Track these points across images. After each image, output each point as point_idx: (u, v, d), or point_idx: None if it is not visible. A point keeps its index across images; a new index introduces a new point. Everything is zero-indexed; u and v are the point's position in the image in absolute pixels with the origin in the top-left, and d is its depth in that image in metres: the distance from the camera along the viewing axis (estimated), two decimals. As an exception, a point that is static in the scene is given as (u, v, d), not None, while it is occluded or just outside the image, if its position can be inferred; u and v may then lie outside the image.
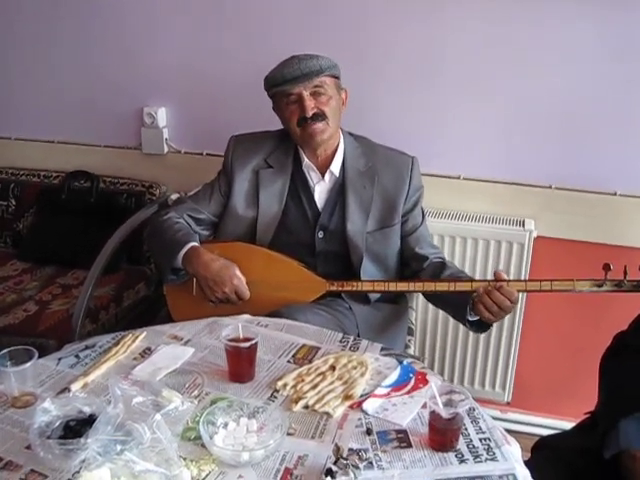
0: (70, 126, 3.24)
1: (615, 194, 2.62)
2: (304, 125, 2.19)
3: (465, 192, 2.77)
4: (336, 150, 2.30)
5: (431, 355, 2.93)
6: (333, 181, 2.30)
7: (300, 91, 2.17)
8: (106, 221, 2.97)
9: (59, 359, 1.74)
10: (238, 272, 2.14)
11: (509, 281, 1.98)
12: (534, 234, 2.66)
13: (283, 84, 2.17)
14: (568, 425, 2.29)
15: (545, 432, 2.80)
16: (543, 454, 1.89)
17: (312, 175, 2.31)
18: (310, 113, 2.17)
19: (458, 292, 2.05)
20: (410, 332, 2.51)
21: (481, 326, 2.12)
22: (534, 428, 2.96)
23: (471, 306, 2.04)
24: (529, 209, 2.72)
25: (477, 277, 2.70)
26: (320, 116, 2.18)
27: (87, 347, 1.80)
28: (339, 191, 2.29)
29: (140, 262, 3.12)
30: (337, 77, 2.25)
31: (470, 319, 2.08)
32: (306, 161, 2.29)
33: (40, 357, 1.67)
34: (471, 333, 2.78)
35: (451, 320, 2.78)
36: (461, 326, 2.72)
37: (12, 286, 2.90)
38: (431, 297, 2.35)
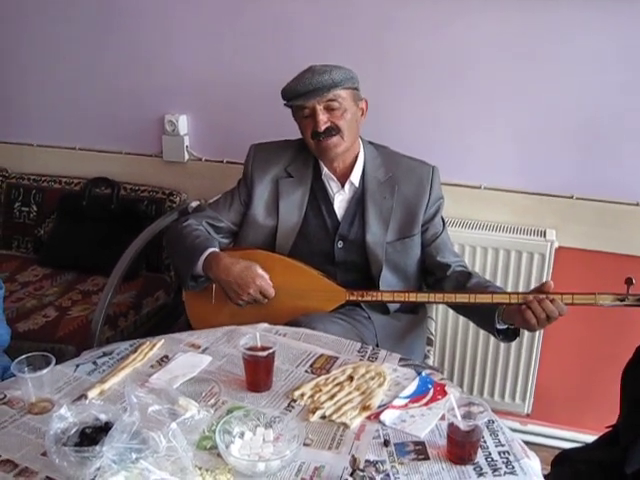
0: (91, 133, 3.27)
1: (637, 204, 2.59)
2: (318, 139, 2.19)
3: (486, 202, 2.76)
4: (356, 160, 2.29)
5: (450, 366, 2.91)
6: (353, 191, 2.29)
7: (313, 105, 2.16)
8: (126, 228, 2.98)
9: (77, 365, 1.75)
10: (260, 270, 2.14)
11: (530, 293, 1.96)
12: (555, 244, 2.64)
13: (297, 98, 2.16)
14: (589, 438, 2.27)
15: (566, 445, 2.78)
16: (563, 468, 1.87)
17: (332, 185, 2.30)
18: (322, 128, 2.16)
19: (478, 304, 2.03)
20: (429, 342, 2.49)
21: (507, 335, 2.10)
22: (554, 441, 2.93)
23: (500, 313, 2.02)
24: (550, 219, 2.70)
25: (498, 287, 2.69)
26: (333, 130, 2.17)
27: (105, 354, 1.81)
28: (359, 201, 2.28)
29: (160, 269, 3.13)
30: (355, 88, 2.23)
31: (499, 327, 2.06)
32: (325, 171, 2.29)
33: (58, 363, 1.68)
34: (491, 344, 2.76)
35: (471, 330, 2.77)
36: (481, 337, 2.73)
37: (32, 292, 2.92)
38: (455, 306, 2.32)
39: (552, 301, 1.92)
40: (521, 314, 1.95)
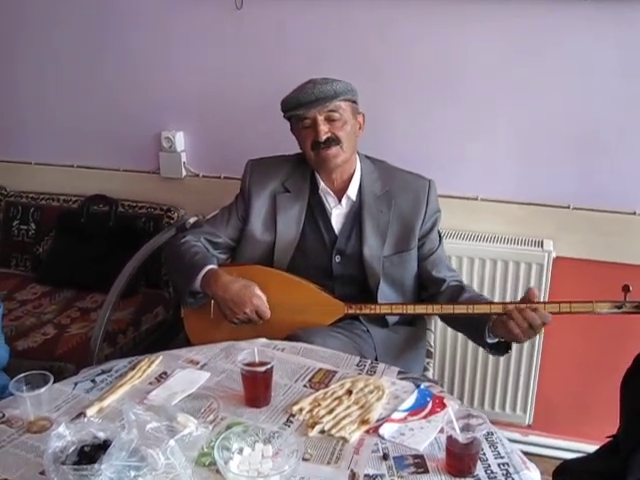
0: (89, 151, 3.27)
1: (634, 213, 2.60)
2: (318, 150, 2.19)
3: (483, 213, 2.76)
4: (353, 174, 2.30)
5: (450, 377, 2.90)
6: (350, 205, 2.30)
7: (314, 115, 2.17)
8: (125, 245, 2.99)
9: (75, 383, 1.74)
10: (258, 291, 2.14)
11: (528, 302, 1.95)
12: (553, 255, 2.64)
13: (297, 108, 2.17)
14: (591, 448, 2.26)
15: (567, 455, 2.77)
16: (565, 479, 1.87)
17: (329, 199, 2.30)
18: (323, 138, 2.17)
19: (477, 314, 2.03)
20: (429, 355, 2.49)
21: (499, 349, 2.10)
22: (556, 451, 2.92)
23: (490, 327, 2.01)
24: (547, 229, 2.70)
25: (496, 298, 2.69)
26: (334, 140, 2.18)
27: (103, 371, 1.80)
28: (356, 215, 2.29)
29: (158, 286, 3.13)
30: (354, 102, 2.24)
31: (489, 341, 2.06)
32: (322, 185, 2.29)
33: (57, 381, 1.68)
34: (491, 355, 2.76)
35: (470, 342, 2.76)
36: (480, 348, 2.71)
37: (31, 310, 2.91)
38: (448, 319, 2.33)
39: (534, 310, 1.92)
40: (504, 325, 1.95)
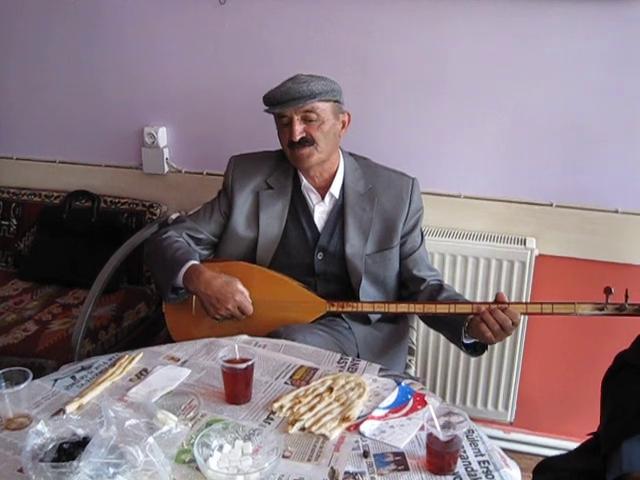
0: (71, 146, 3.25)
1: (617, 211, 2.61)
2: (292, 149, 2.19)
3: (466, 211, 2.76)
4: (336, 172, 2.29)
5: (433, 374, 2.91)
6: (333, 203, 2.29)
7: (291, 114, 2.15)
8: (107, 241, 2.97)
9: (55, 380, 1.73)
10: (240, 286, 2.13)
11: (510, 303, 1.96)
12: (535, 252, 2.64)
13: (275, 106, 2.16)
14: (573, 445, 2.27)
15: (549, 452, 2.78)
16: (545, 476, 1.87)
17: (312, 196, 2.30)
18: (297, 138, 2.16)
19: (458, 314, 2.03)
20: (411, 352, 2.49)
21: (475, 349, 2.11)
22: (538, 448, 2.93)
23: (466, 328, 2.02)
24: (530, 227, 2.71)
25: (478, 296, 2.70)
26: (308, 141, 2.17)
27: (83, 368, 1.79)
28: (339, 213, 2.28)
29: (141, 282, 3.11)
30: (335, 101, 2.22)
31: (465, 341, 2.06)
32: (305, 182, 2.29)
33: (38, 377, 1.67)
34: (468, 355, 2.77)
35: (452, 340, 2.77)
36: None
37: (12, 306, 2.89)
38: (427, 319, 2.33)
39: (504, 310, 1.93)
40: (477, 327, 1.96)
